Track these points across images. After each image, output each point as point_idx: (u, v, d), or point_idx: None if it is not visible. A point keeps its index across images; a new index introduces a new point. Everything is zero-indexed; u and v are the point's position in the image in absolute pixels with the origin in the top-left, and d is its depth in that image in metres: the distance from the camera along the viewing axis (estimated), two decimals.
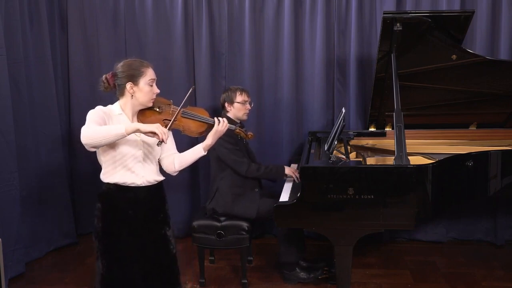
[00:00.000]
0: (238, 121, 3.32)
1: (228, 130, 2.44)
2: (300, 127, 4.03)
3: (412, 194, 2.52)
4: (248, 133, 2.65)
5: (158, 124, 2.07)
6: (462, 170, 2.72)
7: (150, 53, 4.03)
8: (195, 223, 3.21)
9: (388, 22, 2.99)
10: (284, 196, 2.92)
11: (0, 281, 2.50)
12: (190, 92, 2.34)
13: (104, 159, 2.23)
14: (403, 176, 2.52)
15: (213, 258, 3.61)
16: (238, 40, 3.98)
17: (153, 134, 2.04)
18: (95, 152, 4.29)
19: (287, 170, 3.28)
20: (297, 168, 3.43)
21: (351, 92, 3.92)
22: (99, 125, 2.09)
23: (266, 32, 3.96)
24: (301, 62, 3.97)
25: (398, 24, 2.99)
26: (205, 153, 2.35)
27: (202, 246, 3.20)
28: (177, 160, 2.33)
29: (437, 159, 2.71)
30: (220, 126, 2.35)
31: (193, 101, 3.97)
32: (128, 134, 2.04)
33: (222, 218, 3.20)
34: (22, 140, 3.52)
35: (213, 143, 2.36)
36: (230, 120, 3.21)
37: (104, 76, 2.26)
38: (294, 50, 3.93)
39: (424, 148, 3.26)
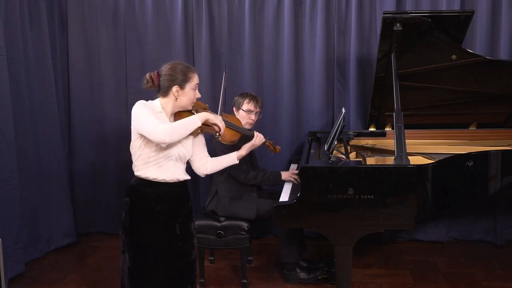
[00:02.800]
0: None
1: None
2: (300, 127, 4.03)
3: (412, 194, 2.52)
4: (277, 147, 2.77)
5: (221, 117, 2.24)
6: (462, 170, 2.72)
7: (150, 53, 4.03)
8: (195, 223, 3.20)
9: (388, 22, 2.99)
10: (284, 196, 2.92)
11: (0, 281, 2.50)
12: (223, 97, 2.46)
13: (138, 153, 2.25)
14: (403, 176, 2.52)
15: (213, 258, 3.61)
16: (238, 40, 3.99)
17: (217, 127, 2.25)
18: (95, 152, 4.28)
19: (284, 176, 3.24)
20: (297, 168, 3.43)
21: (351, 92, 3.92)
22: (155, 117, 2.18)
23: (266, 32, 3.96)
24: (301, 62, 3.97)
25: (398, 24, 2.99)
26: (237, 162, 2.53)
27: (202, 246, 3.20)
28: (210, 164, 2.45)
29: (437, 159, 2.71)
30: (257, 141, 2.57)
31: None
32: (202, 123, 2.22)
33: (222, 218, 3.20)
34: (22, 140, 3.52)
35: (246, 154, 2.56)
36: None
37: (148, 74, 2.30)
38: (294, 50, 3.93)
39: (424, 148, 3.26)
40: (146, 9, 4.00)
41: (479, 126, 3.64)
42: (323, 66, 3.91)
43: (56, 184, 3.89)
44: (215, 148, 3.06)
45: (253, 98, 3.23)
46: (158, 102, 2.30)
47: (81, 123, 4.13)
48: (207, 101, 3.90)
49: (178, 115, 2.31)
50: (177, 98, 2.26)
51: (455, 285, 3.20)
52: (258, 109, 3.26)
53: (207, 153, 2.47)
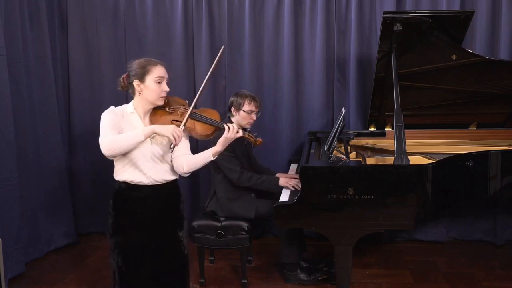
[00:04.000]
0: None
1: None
2: (300, 127, 4.03)
3: (412, 194, 2.52)
4: (257, 139, 2.50)
5: (174, 127, 2.10)
6: (462, 170, 2.72)
7: (150, 53, 4.01)
8: (195, 223, 3.21)
9: (388, 22, 2.99)
10: (284, 196, 2.93)
11: (0, 281, 2.50)
12: (201, 91, 2.31)
13: (115, 158, 2.25)
14: (403, 176, 2.52)
15: (213, 258, 3.61)
16: (238, 40, 3.99)
17: (168, 138, 2.11)
18: (94, 152, 4.29)
19: (282, 182, 3.12)
20: (297, 168, 3.43)
21: (351, 92, 3.92)
22: (114, 131, 2.13)
23: (266, 32, 3.96)
24: (301, 62, 3.97)
25: (398, 24, 2.99)
26: (214, 158, 2.32)
27: (202, 246, 3.20)
28: (186, 162, 2.28)
29: (437, 159, 2.71)
30: (230, 133, 2.27)
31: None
32: (146, 138, 2.11)
33: (222, 218, 3.20)
34: (22, 140, 3.52)
35: (223, 149, 2.31)
36: None
37: (121, 77, 2.30)
38: (294, 50, 3.93)
39: (424, 148, 3.26)
40: (146, 9, 4.00)
41: (479, 126, 3.64)
42: (323, 66, 3.91)
43: (56, 184, 3.89)
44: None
45: (253, 98, 3.21)
46: (131, 103, 2.29)
47: (81, 123, 4.13)
48: (207, 101, 3.95)
49: (153, 114, 2.26)
50: (140, 93, 2.23)
51: (455, 285, 3.20)
52: (258, 109, 3.25)
53: (188, 151, 2.34)
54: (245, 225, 3.15)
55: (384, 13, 3.00)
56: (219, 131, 2.32)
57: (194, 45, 4.01)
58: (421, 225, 3.96)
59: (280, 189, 3.11)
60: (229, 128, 2.27)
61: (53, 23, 3.91)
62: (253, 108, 3.20)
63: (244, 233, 3.15)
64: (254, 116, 3.22)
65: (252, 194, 3.25)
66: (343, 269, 2.65)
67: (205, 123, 2.31)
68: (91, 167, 4.17)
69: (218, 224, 3.17)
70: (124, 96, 4.05)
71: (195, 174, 4.09)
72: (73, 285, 3.30)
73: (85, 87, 4.12)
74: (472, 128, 3.66)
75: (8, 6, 3.36)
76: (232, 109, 3.22)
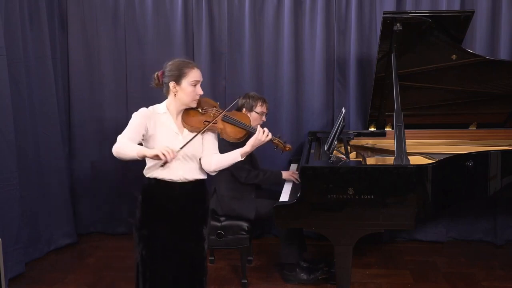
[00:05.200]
0: None
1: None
2: (300, 127, 4.03)
3: (412, 194, 2.52)
4: (286, 145, 2.52)
5: (164, 147, 2.11)
6: (462, 170, 2.72)
7: (150, 53, 4.03)
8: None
9: (388, 22, 2.99)
10: (284, 196, 2.93)
11: (0, 281, 2.50)
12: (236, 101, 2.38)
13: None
14: (403, 176, 2.52)
15: (213, 258, 3.61)
16: (238, 40, 3.99)
17: (157, 157, 2.10)
18: (94, 152, 4.29)
19: (285, 175, 3.28)
20: (297, 168, 3.44)
21: (351, 92, 3.92)
22: (133, 135, 2.20)
23: (266, 32, 3.96)
24: (301, 62, 3.97)
25: (398, 24, 2.99)
26: (242, 159, 2.36)
27: None
28: (215, 161, 2.34)
29: (437, 159, 2.71)
30: (262, 136, 2.31)
31: None
32: (139, 157, 2.14)
33: (222, 218, 3.20)
34: (22, 140, 3.52)
35: (252, 150, 2.35)
36: None
37: (156, 73, 2.32)
38: (294, 50, 3.93)
39: (424, 148, 3.26)
40: (146, 9, 4.00)
41: (479, 126, 3.64)
42: (323, 66, 3.91)
43: (56, 184, 3.89)
44: (220, 146, 3.06)
45: (264, 100, 3.31)
46: (163, 103, 2.32)
47: (81, 123, 4.13)
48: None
49: (185, 114, 2.31)
50: (175, 94, 2.26)
51: (455, 285, 3.20)
52: (268, 111, 3.36)
53: (216, 150, 2.42)
54: (245, 225, 3.15)
55: (384, 13, 3.00)
56: (249, 135, 2.38)
57: (194, 45, 4.01)
58: (421, 225, 3.96)
59: (283, 182, 3.24)
60: (259, 131, 2.32)
61: (53, 23, 3.91)
62: (265, 110, 3.30)
63: (244, 233, 3.15)
64: (264, 118, 3.31)
65: (252, 195, 3.26)
66: (343, 269, 2.65)
67: (237, 126, 2.37)
68: (91, 167, 4.17)
69: (218, 224, 3.17)
70: (124, 96, 4.08)
71: None
72: (73, 285, 3.29)
73: (85, 87, 4.11)
74: (472, 128, 3.66)
75: (8, 6, 3.36)
76: (244, 110, 3.27)
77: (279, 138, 2.51)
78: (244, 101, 3.29)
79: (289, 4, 3.87)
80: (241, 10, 3.95)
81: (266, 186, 3.50)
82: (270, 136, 2.35)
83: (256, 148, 2.38)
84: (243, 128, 2.37)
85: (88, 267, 3.59)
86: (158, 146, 2.15)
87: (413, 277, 3.33)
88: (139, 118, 2.24)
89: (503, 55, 3.72)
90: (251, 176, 3.21)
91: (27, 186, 3.58)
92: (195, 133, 2.28)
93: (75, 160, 4.15)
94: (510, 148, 3.04)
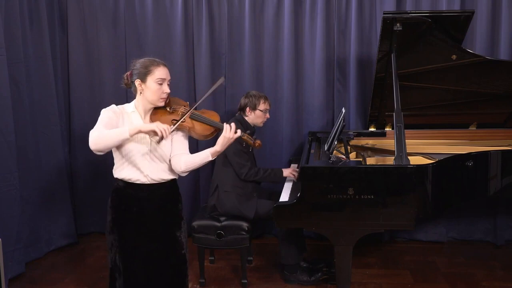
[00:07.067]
0: (253, 126, 3.34)
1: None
2: (300, 127, 4.03)
3: (412, 194, 2.52)
4: (256, 141, 2.45)
5: (158, 122, 2.11)
6: (462, 170, 2.72)
7: (150, 53, 4.00)
8: (195, 223, 3.21)
9: (388, 22, 2.99)
10: (284, 196, 2.93)
11: (0, 281, 2.50)
12: (204, 99, 2.34)
13: (114, 155, 2.28)
14: (403, 176, 2.52)
15: (213, 258, 3.61)
16: (238, 40, 3.98)
17: (154, 132, 2.10)
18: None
19: (286, 173, 3.32)
20: (297, 168, 3.44)
21: (351, 92, 3.91)
22: (106, 128, 2.15)
23: (266, 32, 3.96)
24: (301, 62, 3.97)
25: (398, 24, 2.99)
26: (213, 159, 2.30)
27: (202, 246, 3.20)
28: (184, 161, 2.27)
29: (437, 159, 2.71)
30: (228, 133, 2.24)
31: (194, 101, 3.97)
32: (131, 136, 2.11)
33: (222, 218, 3.20)
34: (22, 140, 3.52)
35: (222, 149, 2.27)
36: (245, 124, 3.24)
37: (125, 74, 2.31)
38: (294, 50, 3.93)
39: (424, 148, 3.26)
40: (146, 9, 4.00)
41: (479, 126, 3.64)
42: (323, 66, 3.91)
43: (56, 184, 3.89)
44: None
45: (266, 98, 3.37)
46: (132, 102, 2.31)
47: (81, 123, 4.13)
48: (207, 101, 3.94)
49: (153, 113, 2.28)
50: (141, 93, 2.24)
51: (455, 285, 3.20)
52: (270, 107, 3.43)
53: (187, 151, 2.34)
54: (245, 225, 3.15)
55: (384, 13, 3.00)
56: (219, 132, 2.33)
57: (194, 45, 4.01)
58: (421, 225, 3.96)
59: (283, 180, 3.26)
60: (226, 128, 2.26)
61: (53, 23, 3.90)
62: (267, 107, 3.36)
63: (244, 233, 3.15)
64: (268, 114, 3.38)
65: (255, 194, 3.27)
66: (343, 269, 2.65)
67: (205, 123, 2.32)
68: (91, 167, 4.17)
69: (218, 224, 3.17)
70: (124, 96, 4.06)
71: (196, 173, 4.09)
72: (73, 285, 3.30)
73: (85, 87, 4.11)
74: (472, 128, 3.66)
75: (8, 6, 3.35)
76: (247, 109, 3.30)
77: (247, 134, 2.43)
78: (246, 100, 3.32)
79: (289, 4, 3.87)
80: (241, 11, 3.95)
81: (266, 186, 3.50)
82: (238, 133, 2.28)
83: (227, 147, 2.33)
84: (211, 125, 2.31)
85: (88, 267, 3.59)
86: (148, 124, 2.13)
87: (413, 277, 3.34)
88: (111, 113, 2.22)
89: (503, 55, 3.72)
90: (251, 173, 3.23)
91: (27, 186, 3.58)
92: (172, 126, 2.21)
93: (75, 160, 4.15)
94: (510, 148, 3.04)
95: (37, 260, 3.68)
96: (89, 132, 2.15)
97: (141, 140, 2.22)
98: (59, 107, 3.92)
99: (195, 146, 3.74)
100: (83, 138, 4.12)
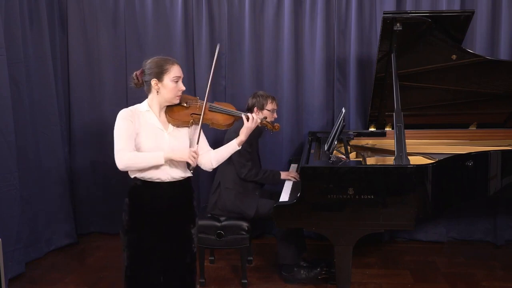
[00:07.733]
0: (261, 126, 3.35)
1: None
2: (300, 127, 4.03)
3: (412, 194, 2.52)
4: (275, 125, 2.59)
5: (189, 151, 2.18)
6: (462, 170, 2.72)
7: (150, 53, 4.00)
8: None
9: (388, 22, 2.99)
10: (284, 196, 2.93)
11: (0, 281, 2.50)
12: (210, 82, 2.35)
13: None
14: (403, 176, 2.52)
15: (213, 258, 3.61)
16: (238, 40, 3.99)
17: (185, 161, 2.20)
18: (94, 152, 4.27)
19: (283, 175, 3.33)
20: (297, 169, 3.44)
21: (351, 92, 3.92)
22: (130, 142, 2.18)
23: (266, 32, 3.96)
24: (301, 62, 3.97)
25: (398, 24, 2.99)
26: (239, 148, 2.39)
27: (202, 246, 3.20)
28: (214, 157, 2.36)
29: (437, 159, 2.71)
30: (250, 123, 2.37)
31: None
32: (165, 163, 2.20)
33: (222, 218, 3.20)
34: (22, 140, 3.52)
35: (246, 138, 2.38)
36: None
37: (134, 73, 2.32)
38: (294, 50, 3.93)
39: (424, 148, 3.27)
40: (146, 9, 4.00)
41: (479, 126, 3.64)
42: (323, 66, 3.91)
43: (56, 184, 3.89)
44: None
45: (274, 98, 3.38)
46: (145, 102, 2.31)
47: (81, 123, 4.13)
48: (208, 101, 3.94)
49: (169, 110, 2.29)
50: (158, 92, 2.25)
51: (455, 285, 3.20)
52: (277, 106, 3.44)
53: (209, 147, 2.42)
54: (245, 225, 3.15)
55: (384, 13, 3.00)
56: (237, 120, 2.41)
57: (194, 45, 4.01)
58: (421, 225, 3.96)
59: (282, 182, 3.28)
60: (248, 118, 2.37)
61: (53, 23, 3.90)
62: (275, 107, 3.37)
63: (244, 233, 3.15)
64: (275, 114, 3.39)
65: (257, 193, 3.28)
66: (343, 269, 2.65)
67: (225, 113, 2.37)
68: (91, 167, 4.18)
69: (218, 224, 3.17)
70: (124, 96, 4.08)
71: (196, 173, 4.08)
72: (73, 285, 3.29)
73: (85, 87, 4.11)
74: (472, 128, 3.66)
75: (8, 6, 3.35)
76: (255, 109, 3.31)
77: (265, 119, 2.55)
78: (254, 100, 3.33)
79: (289, 4, 3.87)
80: (241, 11, 3.95)
81: (268, 185, 3.50)
82: (258, 120, 2.41)
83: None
84: (231, 115, 2.38)
85: (88, 267, 3.59)
86: (180, 153, 2.20)
87: (413, 277, 3.33)
88: (125, 122, 2.21)
89: (503, 55, 3.72)
90: (251, 174, 3.23)
91: (27, 186, 3.58)
92: (185, 127, 2.29)
93: (75, 160, 4.15)
94: (510, 148, 3.04)
95: (37, 260, 3.68)
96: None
97: (162, 139, 2.24)
98: (59, 107, 3.92)
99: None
100: (83, 138, 4.14)
